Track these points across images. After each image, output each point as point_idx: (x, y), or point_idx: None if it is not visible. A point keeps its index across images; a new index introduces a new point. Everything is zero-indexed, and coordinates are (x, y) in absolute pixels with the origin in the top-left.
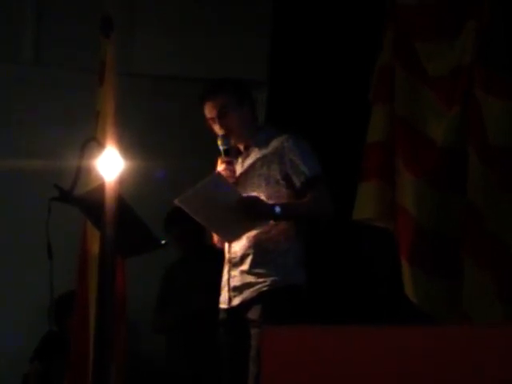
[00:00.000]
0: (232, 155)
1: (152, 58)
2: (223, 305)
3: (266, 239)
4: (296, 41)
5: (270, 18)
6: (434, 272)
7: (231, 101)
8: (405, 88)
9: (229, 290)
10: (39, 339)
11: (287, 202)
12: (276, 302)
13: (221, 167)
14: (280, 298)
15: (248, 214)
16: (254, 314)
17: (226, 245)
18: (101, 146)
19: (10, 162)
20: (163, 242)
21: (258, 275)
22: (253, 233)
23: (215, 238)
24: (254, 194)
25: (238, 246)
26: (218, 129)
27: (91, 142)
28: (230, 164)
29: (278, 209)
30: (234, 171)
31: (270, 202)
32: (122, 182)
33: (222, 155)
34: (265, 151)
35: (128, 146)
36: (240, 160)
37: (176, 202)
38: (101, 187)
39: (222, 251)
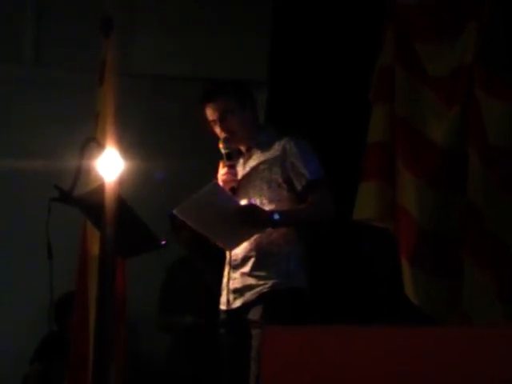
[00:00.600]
0: (234, 158)
1: (152, 58)
2: (223, 306)
3: (267, 242)
4: (296, 41)
5: (270, 18)
6: (434, 272)
7: (232, 103)
8: (405, 88)
9: (228, 291)
10: (39, 340)
11: (287, 209)
12: (277, 304)
13: (223, 171)
14: (281, 300)
15: (247, 222)
16: (254, 314)
17: None
18: (101, 146)
19: (10, 162)
20: (163, 242)
21: (258, 277)
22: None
23: None
24: (256, 197)
25: (239, 249)
26: (219, 132)
27: (91, 143)
28: (232, 168)
29: (276, 216)
30: (236, 175)
31: (272, 205)
32: (121, 182)
33: (224, 159)
34: (267, 154)
35: (128, 147)
36: (242, 161)
37: (174, 212)
38: (101, 187)
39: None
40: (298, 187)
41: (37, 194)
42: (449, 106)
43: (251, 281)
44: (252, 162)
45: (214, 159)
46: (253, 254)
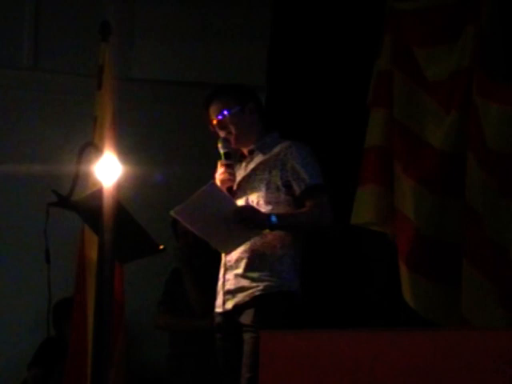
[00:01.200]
0: (232, 158)
1: (151, 63)
2: (218, 309)
3: (261, 244)
4: (294, 46)
5: (269, 23)
6: (433, 277)
7: (232, 104)
8: (403, 93)
9: (223, 293)
10: (37, 345)
11: (285, 212)
12: (269, 307)
13: (220, 170)
14: (273, 303)
15: (243, 223)
16: (246, 319)
17: None
18: (99, 150)
19: (8, 166)
20: (161, 247)
21: (252, 279)
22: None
23: None
24: (254, 197)
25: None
26: (220, 133)
27: (89, 147)
28: (230, 167)
29: (274, 218)
30: (233, 174)
31: (269, 207)
32: (119, 187)
33: (222, 158)
34: (268, 156)
35: (126, 151)
36: (244, 164)
37: (171, 213)
38: (99, 192)
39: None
40: (297, 191)
41: (35, 199)
42: (447, 110)
43: (244, 282)
44: (253, 165)
45: (213, 164)
46: (246, 254)
